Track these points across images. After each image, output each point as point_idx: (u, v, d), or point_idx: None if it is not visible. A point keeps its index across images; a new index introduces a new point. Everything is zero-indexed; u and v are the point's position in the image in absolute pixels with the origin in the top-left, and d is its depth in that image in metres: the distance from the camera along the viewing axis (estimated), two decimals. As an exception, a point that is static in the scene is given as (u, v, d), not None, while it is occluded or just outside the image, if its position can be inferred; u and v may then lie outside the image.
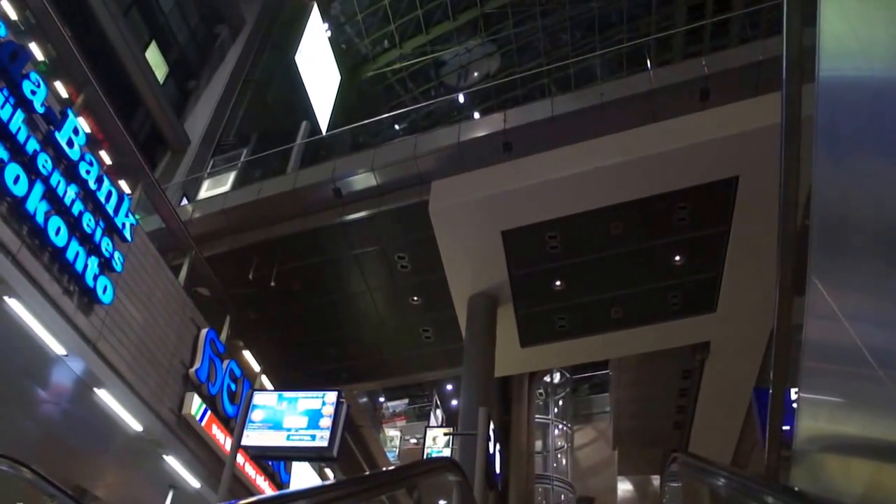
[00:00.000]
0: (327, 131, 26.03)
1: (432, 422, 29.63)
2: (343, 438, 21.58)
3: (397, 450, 28.03)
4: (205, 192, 19.50)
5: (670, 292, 16.77)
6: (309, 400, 8.89)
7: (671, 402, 22.61)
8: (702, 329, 17.72)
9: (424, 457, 25.51)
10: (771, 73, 13.48)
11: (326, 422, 8.58)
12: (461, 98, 30.90)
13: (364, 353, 19.81)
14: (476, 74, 33.71)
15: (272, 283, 16.84)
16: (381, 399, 33.10)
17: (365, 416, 23.45)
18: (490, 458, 9.84)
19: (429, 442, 24.41)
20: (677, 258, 15.87)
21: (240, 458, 12.69)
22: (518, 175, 14.80)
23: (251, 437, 8.76)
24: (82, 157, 10.03)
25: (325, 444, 8.47)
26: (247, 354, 18.21)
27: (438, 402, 31.13)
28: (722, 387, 19.46)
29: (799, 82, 4.04)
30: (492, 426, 10.22)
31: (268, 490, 15.26)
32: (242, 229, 17.25)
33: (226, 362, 13.98)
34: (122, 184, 12.92)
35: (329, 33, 30.65)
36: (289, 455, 10.62)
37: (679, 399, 22.25)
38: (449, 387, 31.35)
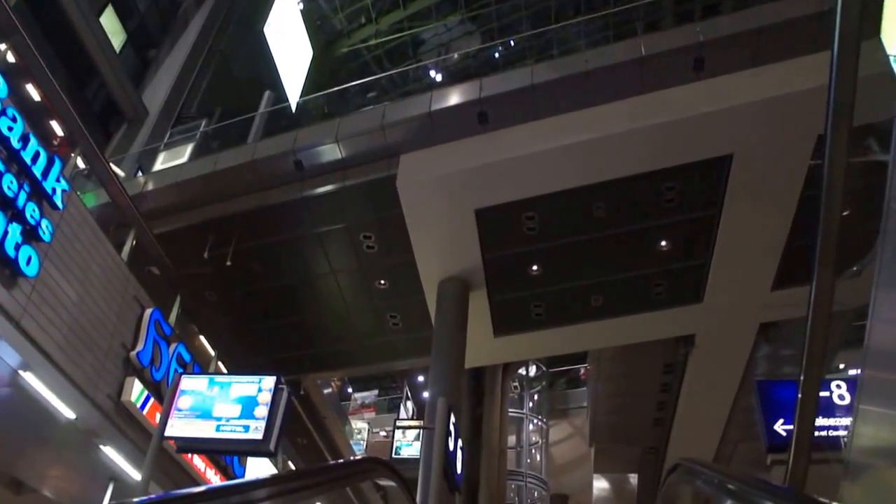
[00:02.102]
0: (296, 108, 24.81)
1: (402, 414, 28.61)
2: (305, 430, 20.64)
3: (365, 443, 26.96)
4: (160, 164, 18.22)
5: (654, 280, 15.74)
6: (243, 385, 7.72)
7: (652, 398, 21.63)
8: (687, 321, 16.71)
9: (393, 451, 24.61)
10: (771, 42, 12.51)
11: (262, 411, 7.42)
12: (438, 77, 29.65)
13: (328, 340, 18.61)
14: (456, 56, 32.57)
15: (228, 263, 15.62)
16: (350, 389, 32.09)
17: (329, 406, 22.33)
18: (450, 456, 8.63)
19: (398, 435, 23.43)
20: (663, 244, 14.84)
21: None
22: (494, 149, 13.69)
23: (176, 427, 7.59)
24: (3, 112, 8.79)
25: (259, 436, 7.31)
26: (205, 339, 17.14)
27: (409, 394, 30.08)
28: (706, 382, 18.58)
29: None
30: (453, 419, 9.03)
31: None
32: (197, 204, 16.04)
33: (173, 345, 12.79)
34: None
35: (301, 6, 29.37)
36: (218, 448, 9.24)
37: (660, 394, 21.28)
38: (420, 378, 30.28)
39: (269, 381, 7.69)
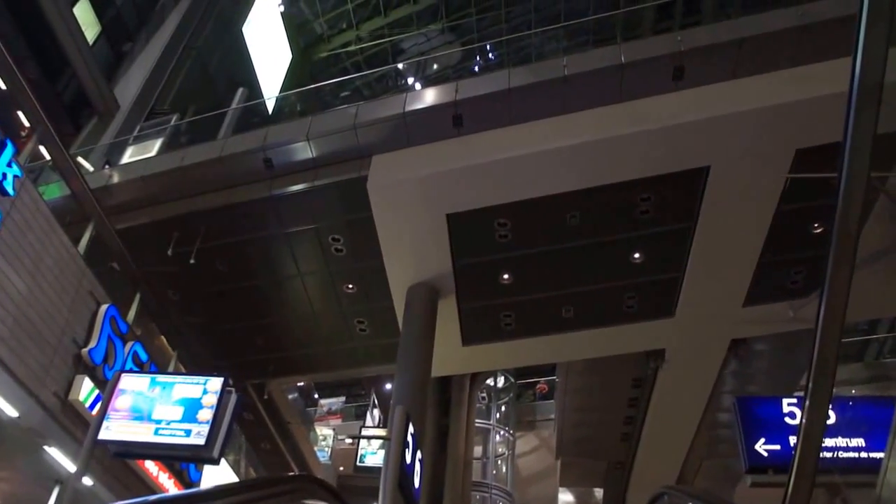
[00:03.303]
0: (272, 110, 24.51)
1: (368, 422, 28.15)
2: (269, 435, 20.19)
3: (330, 450, 26.49)
4: (128, 158, 17.77)
5: (627, 293, 15.50)
6: (187, 386, 7.30)
7: (620, 412, 21.36)
8: (658, 335, 16.48)
9: (358, 459, 24.19)
10: (751, 54, 12.35)
11: (206, 414, 7.00)
12: (417, 86, 29.49)
13: (294, 344, 18.18)
14: (436, 67, 32.41)
15: (192, 261, 15.19)
16: (316, 395, 31.60)
17: (294, 411, 21.89)
18: (407, 469, 8.24)
19: (363, 443, 23.02)
20: (637, 256, 14.61)
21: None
22: (468, 152, 13.42)
23: (112, 430, 7.14)
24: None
25: (201, 441, 6.87)
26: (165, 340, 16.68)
27: (376, 401, 29.64)
28: (675, 398, 18.38)
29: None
30: (411, 430, 8.65)
31: (172, 490, 13.68)
32: (163, 200, 15.62)
33: (129, 344, 12.35)
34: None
35: (282, 8, 29.12)
36: (157, 454, 8.71)
37: (628, 409, 21.02)
38: (389, 385, 29.89)
39: (215, 383, 7.29)
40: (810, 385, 4.01)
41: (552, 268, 15.07)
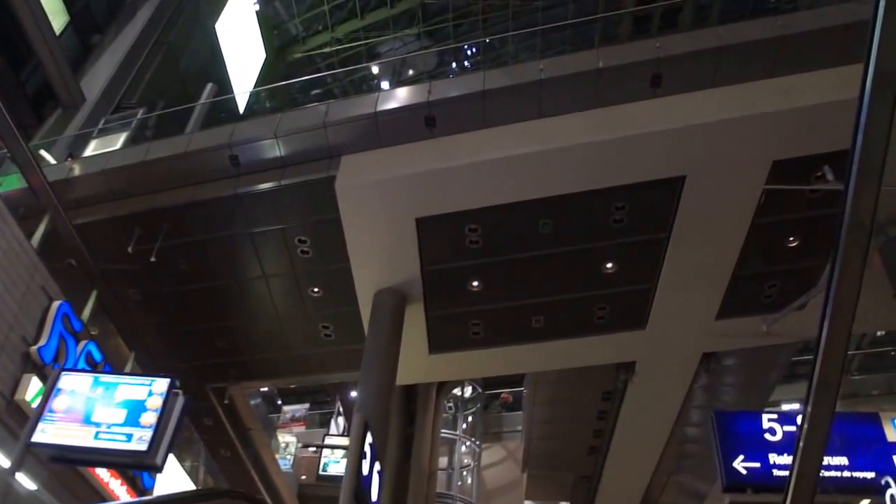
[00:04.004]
0: (244, 110, 24.06)
1: (333, 430, 27.63)
2: (229, 441, 19.69)
3: (292, 458, 25.97)
4: (91, 151, 17.24)
5: (598, 303, 15.21)
6: (131, 387, 6.84)
7: (588, 425, 21.09)
8: (629, 347, 16.22)
9: (321, 468, 23.72)
10: (730, 63, 12.15)
11: (150, 418, 6.55)
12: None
13: (257, 348, 17.68)
14: (411, 73, 32.07)
15: (152, 259, 14.70)
16: (279, 401, 31.07)
17: (256, 417, 21.36)
18: (363, 481, 7.83)
19: (326, 451, 22.57)
20: (609, 265, 14.32)
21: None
22: (440, 155, 13.08)
23: (47, 433, 6.65)
24: None
25: (143, 447, 6.41)
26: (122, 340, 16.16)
27: (341, 409, 29.14)
28: (644, 412, 18.16)
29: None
30: (370, 439, 8.25)
31: (124, 497, 13.14)
32: (125, 195, 15.07)
33: (82, 343, 11.82)
34: None
35: (257, 6, 28.69)
36: (96, 460, 8.13)
37: (597, 422, 20.76)
38: (354, 393, 29.40)
39: (161, 384, 6.85)
40: (811, 403, 3.70)
41: (523, 276, 14.75)
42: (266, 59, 28.82)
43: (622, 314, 15.39)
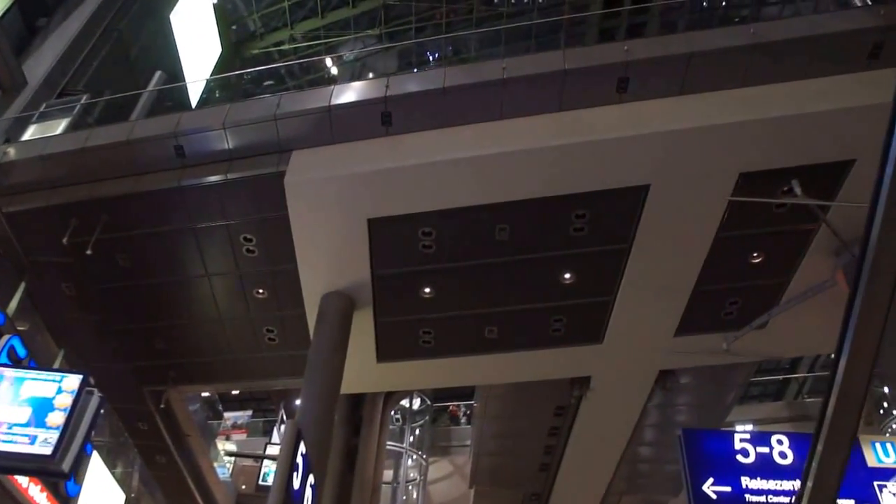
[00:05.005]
0: (197, 104, 23.27)
1: (275, 438, 26.76)
2: (165, 448, 18.81)
3: (231, 467, 25.05)
4: (29, 136, 16.35)
5: (554, 315, 14.69)
6: (38, 383, 6.11)
7: (539, 442, 20.55)
8: (584, 361, 15.76)
9: (260, 478, 22.90)
10: (700, 70, 11.76)
11: (57, 418, 5.86)
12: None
13: (197, 351, 16.87)
14: (371, 75, 31.53)
15: (88, 252, 13.89)
16: (220, 407, 30.10)
17: (194, 423, 20.50)
18: (294, 495, 7.14)
19: (266, 461, 21.75)
20: (567, 276, 13.82)
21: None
22: (396, 153, 12.51)
23: (-59, 432, 5.88)
24: None
25: (47, 451, 5.70)
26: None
27: (285, 417, 28.30)
28: (598, 429, 17.73)
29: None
30: (303, 449, 7.59)
31: None
32: (62, 183, 14.25)
33: (5, 337, 11.10)
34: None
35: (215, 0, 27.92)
36: None
37: (549, 438, 20.23)
38: (299, 401, 28.55)
39: (72, 381, 6.15)
40: (826, 424, 3.18)
41: (477, 284, 14.21)
42: (222, 55, 28.02)
43: (579, 327, 14.91)
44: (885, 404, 25.52)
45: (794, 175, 11.69)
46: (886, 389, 24.99)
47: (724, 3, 26.50)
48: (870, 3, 12.71)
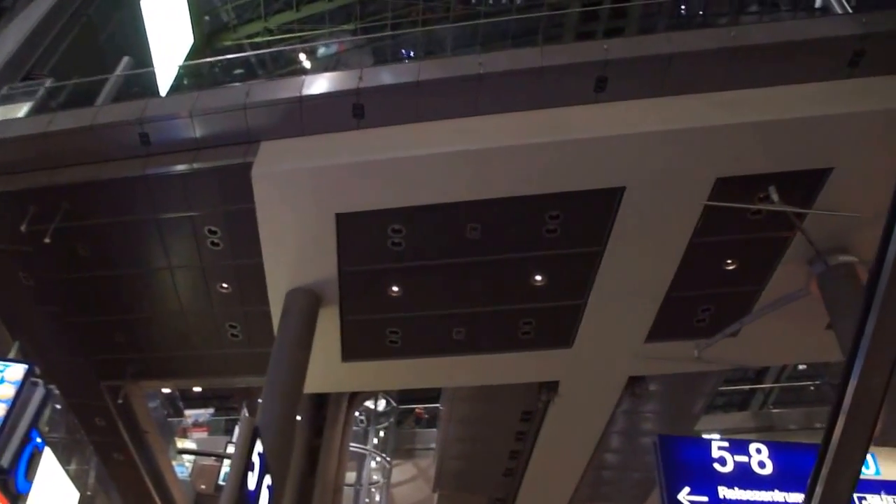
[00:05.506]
0: (167, 94, 22.77)
1: (236, 437, 26.28)
2: (122, 445, 18.35)
3: (190, 466, 24.55)
4: (-12, 119, 15.86)
5: (524, 318, 14.46)
6: (-23, 372, 5.71)
7: (505, 446, 20.32)
8: (553, 366, 15.55)
9: (221, 478, 22.47)
10: (680, 72, 11.59)
11: (-3, 410, 5.44)
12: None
13: (157, 346, 16.46)
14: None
15: (47, 240, 13.44)
16: (181, 404, 29.58)
17: (153, 420, 20.03)
18: (249, 496, 6.80)
19: (226, 461, 21.29)
20: (538, 278, 13.60)
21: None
22: (367, 147, 12.20)
23: None
24: None
25: (-18, 445, 5.30)
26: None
27: (247, 415, 27.83)
28: (564, 434, 17.55)
29: None
30: (259, 448, 7.26)
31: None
32: (22, 168, 13.77)
33: (-47, 327, 10.62)
34: None
35: (188, -12, 27.42)
36: None
37: (515, 443, 20.01)
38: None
39: (15, 371, 5.81)
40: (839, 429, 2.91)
41: (446, 283, 13.96)
42: (194, 45, 27.56)
43: (548, 331, 14.69)
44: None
45: (771, 181, 11.55)
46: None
47: (701, 13, 26.53)
48: (850, 11, 12.60)
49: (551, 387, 16.48)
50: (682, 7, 24.70)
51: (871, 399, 2.95)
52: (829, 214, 11.64)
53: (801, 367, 27.80)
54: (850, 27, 11.50)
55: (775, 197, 11.38)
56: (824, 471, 3.36)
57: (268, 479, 7.65)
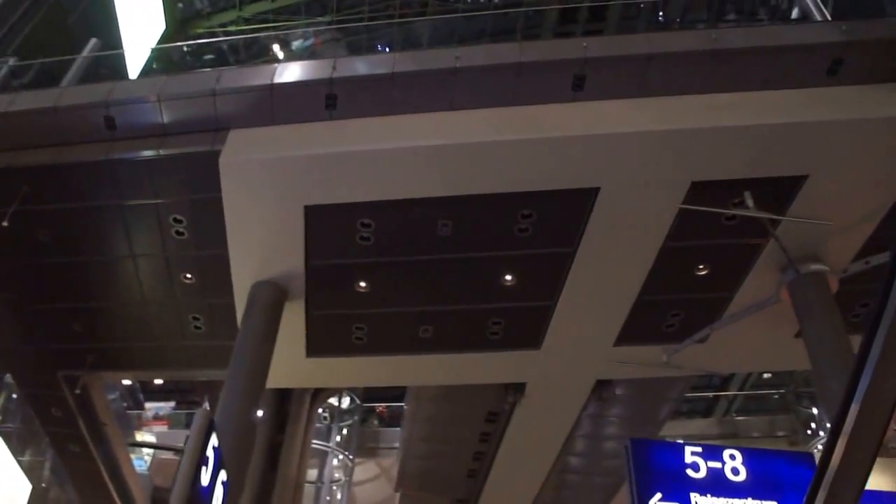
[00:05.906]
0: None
1: (190, 430, 25.83)
2: (79, 437, 17.95)
3: (149, 460, 24.10)
4: (-51, 99, 15.38)
5: (492, 318, 14.27)
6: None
7: (469, 447, 20.12)
8: (520, 367, 15.39)
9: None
10: (659, 73, 11.47)
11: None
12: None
13: (118, 336, 16.04)
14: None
15: (4, 223, 13.03)
16: (141, 396, 29.11)
17: (112, 412, 19.61)
18: (202, 492, 6.54)
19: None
20: (508, 277, 13.42)
21: None
22: (339, 138, 11.93)
23: None
24: None
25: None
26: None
27: (208, 409, 27.45)
28: (530, 437, 17.46)
29: None
30: (214, 442, 6.99)
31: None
32: (-21, 150, 13.38)
33: None
34: None
35: (161, -28, 26.96)
36: None
37: (479, 444, 19.81)
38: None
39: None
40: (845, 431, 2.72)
41: (415, 280, 13.75)
42: (166, 31, 27.07)
43: (517, 331, 14.52)
44: (813, 425, 25.79)
45: (746, 187, 11.46)
46: (815, 410, 25.27)
47: (678, 20, 26.53)
48: (829, 18, 12.55)
49: (518, 388, 16.33)
50: (661, 14, 24.65)
51: (880, 413, 2.78)
52: (802, 222, 11.57)
53: (765, 375, 27.92)
54: (830, 35, 11.44)
55: (750, 202, 11.29)
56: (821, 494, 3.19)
57: (223, 475, 7.38)
